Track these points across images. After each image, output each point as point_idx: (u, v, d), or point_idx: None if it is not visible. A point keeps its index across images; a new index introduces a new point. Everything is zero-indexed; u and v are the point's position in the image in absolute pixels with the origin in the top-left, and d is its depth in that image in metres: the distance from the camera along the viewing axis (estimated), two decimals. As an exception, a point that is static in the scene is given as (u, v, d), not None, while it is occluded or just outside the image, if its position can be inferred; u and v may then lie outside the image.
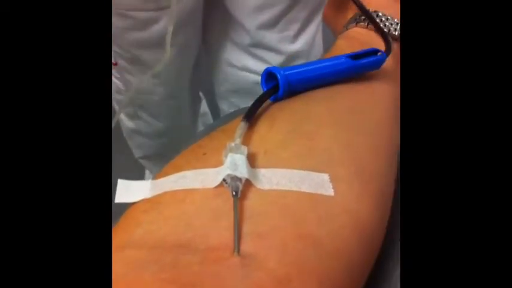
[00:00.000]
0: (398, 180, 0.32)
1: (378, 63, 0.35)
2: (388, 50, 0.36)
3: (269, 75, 0.32)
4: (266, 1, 0.68)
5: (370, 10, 0.40)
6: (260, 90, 0.33)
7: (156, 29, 0.65)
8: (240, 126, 0.28)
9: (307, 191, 0.26)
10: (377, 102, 0.34)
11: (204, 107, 0.98)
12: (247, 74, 0.78)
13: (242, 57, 0.77)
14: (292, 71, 0.32)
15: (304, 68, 0.33)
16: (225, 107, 0.87)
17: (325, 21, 0.52)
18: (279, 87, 0.31)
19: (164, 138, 0.85)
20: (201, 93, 0.93)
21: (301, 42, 0.76)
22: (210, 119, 0.99)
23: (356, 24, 0.41)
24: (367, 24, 0.40)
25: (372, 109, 0.34)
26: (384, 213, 0.30)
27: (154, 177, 0.28)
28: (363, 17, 0.41)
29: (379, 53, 0.35)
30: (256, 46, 0.74)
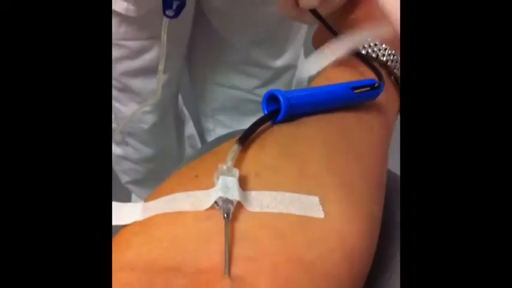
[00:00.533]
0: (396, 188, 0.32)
1: (376, 95, 0.36)
2: (381, 82, 0.37)
3: (270, 98, 0.32)
4: (257, 19, 0.68)
5: (356, 32, 0.41)
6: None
7: (147, 57, 0.65)
8: (233, 148, 0.28)
9: (297, 213, 0.26)
10: (366, 128, 0.35)
11: (189, 128, 0.98)
12: (235, 91, 0.78)
13: (230, 75, 0.76)
14: (294, 95, 0.32)
15: (306, 93, 0.33)
16: (211, 126, 0.87)
17: (315, 46, 0.53)
18: (281, 111, 0.31)
19: (152, 163, 0.85)
20: (186, 113, 0.93)
21: (288, 56, 0.76)
22: (196, 141, 0.99)
23: None
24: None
25: (362, 134, 0.34)
26: (373, 237, 0.30)
27: (146, 200, 0.28)
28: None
29: (376, 85, 0.36)
30: (244, 63, 0.75)
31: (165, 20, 0.41)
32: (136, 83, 0.68)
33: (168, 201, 0.26)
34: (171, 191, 0.27)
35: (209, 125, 0.87)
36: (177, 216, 0.26)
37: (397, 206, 0.40)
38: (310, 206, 0.27)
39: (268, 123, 0.32)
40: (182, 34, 0.68)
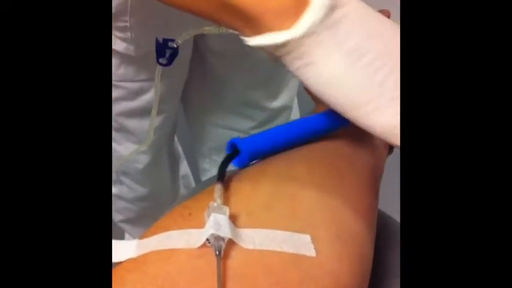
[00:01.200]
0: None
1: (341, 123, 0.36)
2: None
3: (232, 146, 0.34)
4: (255, 60, 0.70)
5: None
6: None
7: (145, 98, 0.65)
8: (217, 187, 0.29)
9: (289, 251, 0.27)
10: (358, 170, 0.35)
11: (184, 168, 0.98)
12: (231, 131, 0.78)
13: (226, 115, 0.76)
14: (254, 140, 0.33)
15: (266, 137, 0.34)
16: (207, 166, 0.86)
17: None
18: (239, 151, 0.33)
19: (145, 202, 0.84)
20: (180, 152, 0.93)
21: (284, 98, 0.76)
22: (190, 180, 0.99)
23: None
24: None
25: (353, 176, 0.35)
26: (365, 274, 0.30)
27: (140, 237, 0.28)
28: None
29: None
30: (241, 104, 0.75)
31: (159, 68, 0.42)
32: (132, 123, 0.68)
33: (163, 238, 0.27)
34: (166, 229, 0.28)
35: (205, 165, 0.87)
36: (170, 253, 0.26)
37: (389, 249, 0.40)
38: (302, 244, 0.27)
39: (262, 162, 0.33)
40: (178, 77, 0.69)
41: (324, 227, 0.29)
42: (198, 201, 0.30)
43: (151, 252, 0.26)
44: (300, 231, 0.28)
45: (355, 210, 0.32)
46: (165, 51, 0.39)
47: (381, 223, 0.39)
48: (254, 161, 0.34)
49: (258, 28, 0.28)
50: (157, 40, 0.39)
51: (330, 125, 0.36)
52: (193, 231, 0.27)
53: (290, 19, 0.27)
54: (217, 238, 0.25)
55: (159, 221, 0.30)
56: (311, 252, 0.27)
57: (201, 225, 0.27)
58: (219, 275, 0.24)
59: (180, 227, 0.27)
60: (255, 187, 0.31)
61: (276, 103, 0.76)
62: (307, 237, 0.28)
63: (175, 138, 0.90)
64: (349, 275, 0.28)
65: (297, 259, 0.27)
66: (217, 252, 0.25)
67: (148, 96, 0.65)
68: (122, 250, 0.27)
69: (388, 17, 0.47)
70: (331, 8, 0.27)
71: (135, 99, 0.65)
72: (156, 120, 0.69)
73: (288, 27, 0.27)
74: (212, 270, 0.24)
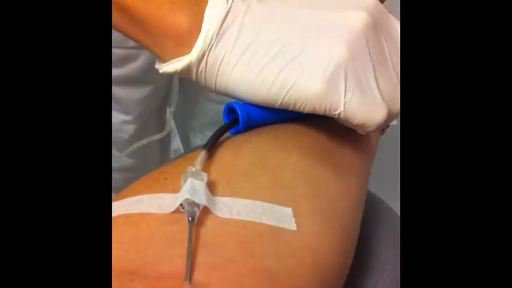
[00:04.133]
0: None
1: None
2: None
3: (230, 110, 0.33)
4: None
5: None
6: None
7: (132, 66, 0.64)
8: (201, 154, 0.27)
9: (268, 223, 0.25)
10: (344, 146, 0.34)
11: (176, 142, 0.96)
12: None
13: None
14: (254, 107, 0.32)
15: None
16: (199, 141, 0.86)
17: None
18: (239, 121, 0.32)
19: (131, 173, 0.83)
20: (173, 126, 0.92)
21: None
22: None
23: None
24: None
25: (339, 151, 0.33)
26: (347, 254, 0.29)
27: (112, 200, 0.27)
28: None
29: None
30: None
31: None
32: (118, 91, 0.67)
33: (134, 202, 0.25)
34: (138, 193, 0.26)
35: (197, 140, 0.86)
36: (140, 218, 0.24)
37: (374, 232, 0.39)
38: (282, 217, 0.26)
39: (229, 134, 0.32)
40: None
41: (308, 201, 0.28)
42: (176, 166, 0.29)
43: (119, 216, 0.25)
44: (282, 204, 0.26)
45: (341, 187, 0.31)
46: None
47: (370, 203, 0.37)
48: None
49: (163, 53, 0.29)
50: None
51: None
52: (167, 196, 0.25)
53: (189, 43, 0.29)
54: (192, 204, 0.24)
55: (132, 185, 0.28)
56: (291, 225, 0.26)
57: (176, 190, 0.25)
58: (190, 243, 0.22)
59: (153, 191, 0.26)
60: (238, 156, 0.29)
61: None
62: (288, 210, 0.26)
63: (168, 111, 0.88)
64: (329, 252, 0.26)
65: (275, 232, 0.25)
66: (190, 219, 0.23)
67: (135, 65, 0.64)
68: None
69: None
70: (223, 18, 0.28)
71: (122, 67, 0.64)
72: (142, 90, 0.68)
73: (188, 51, 0.29)
74: (184, 238, 0.23)
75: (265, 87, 0.29)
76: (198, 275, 0.22)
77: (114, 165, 0.81)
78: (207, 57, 0.29)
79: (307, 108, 0.29)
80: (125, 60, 0.63)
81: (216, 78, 0.29)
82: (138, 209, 0.25)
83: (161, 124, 0.85)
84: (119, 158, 0.79)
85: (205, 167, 0.27)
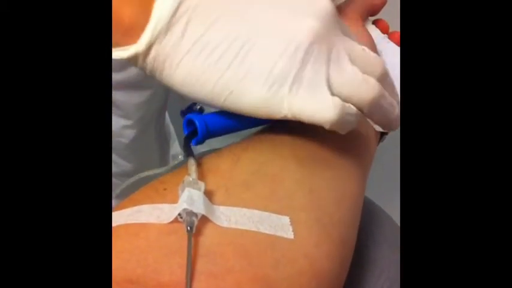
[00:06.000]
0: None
1: None
2: None
3: (189, 122, 0.33)
4: None
5: None
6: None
7: (132, 70, 0.64)
8: (190, 162, 0.28)
9: (266, 232, 0.25)
10: (341, 154, 0.34)
11: (175, 148, 0.96)
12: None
13: None
14: (212, 117, 0.32)
15: (226, 114, 0.32)
16: (197, 146, 0.86)
17: None
18: (198, 132, 0.31)
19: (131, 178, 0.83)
20: (172, 132, 0.92)
21: None
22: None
23: None
24: None
25: (336, 159, 0.34)
26: (344, 261, 0.29)
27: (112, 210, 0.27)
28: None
29: None
30: None
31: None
32: (118, 96, 0.67)
33: (133, 212, 0.26)
34: (138, 203, 0.26)
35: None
36: (140, 228, 0.25)
37: (371, 239, 0.39)
38: (280, 226, 0.26)
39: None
40: None
41: (305, 210, 0.28)
42: (175, 176, 0.29)
43: (120, 226, 0.25)
44: (279, 213, 0.27)
45: (339, 196, 0.31)
46: None
47: (367, 210, 0.37)
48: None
49: (114, 43, 0.28)
50: None
51: None
52: (166, 206, 0.25)
53: (137, 34, 0.28)
54: (190, 213, 0.24)
55: (132, 195, 0.28)
56: (289, 234, 0.26)
57: (175, 200, 0.26)
58: (189, 252, 0.23)
59: (153, 202, 0.26)
60: (236, 165, 0.29)
61: None
62: (286, 219, 0.27)
63: (168, 117, 0.88)
64: (326, 260, 0.27)
65: (273, 241, 0.25)
66: (188, 228, 0.23)
67: (136, 69, 0.64)
68: None
69: (386, 28, 0.46)
70: (173, 12, 0.27)
71: (122, 71, 0.64)
72: (142, 94, 0.68)
73: (134, 41, 0.28)
74: (183, 248, 0.23)
75: (209, 87, 0.28)
76: (198, 284, 0.22)
77: (113, 171, 0.81)
78: (154, 50, 0.28)
79: (246, 112, 0.29)
80: (124, 64, 0.63)
81: (162, 72, 0.29)
82: (137, 219, 0.25)
83: (162, 129, 0.85)
84: (119, 163, 0.79)
85: (203, 176, 0.28)
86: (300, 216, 0.27)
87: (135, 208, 0.26)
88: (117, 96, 0.67)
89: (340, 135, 0.32)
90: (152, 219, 0.25)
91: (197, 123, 0.31)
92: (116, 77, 0.64)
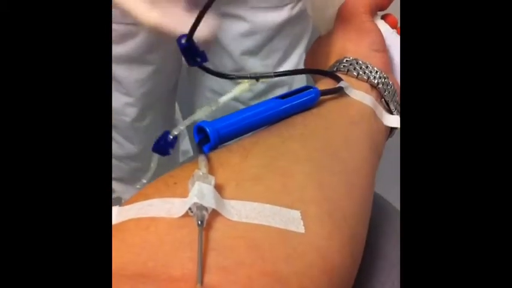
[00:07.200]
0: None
1: (312, 100, 0.36)
2: (316, 88, 0.37)
3: (199, 130, 0.33)
4: (250, 28, 0.68)
5: (351, 58, 0.41)
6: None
7: (132, 44, 0.64)
8: (201, 158, 0.28)
9: (277, 226, 0.25)
10: (351, 148, 0.34)
11: (185, 144, 0.96)
12: (232, 101, 0.77)
13: (225, 83, 0.76)
14: (223, 124, 0.32)
15: (235, 119, 0.33)
16: None
17: (307, 67, 0.53)
18: (210, 139, 0.31)
19: (137, 162, 0.83)
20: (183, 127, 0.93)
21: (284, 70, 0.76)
22: (191, 156, 0.98)
23: (336, 70, 0.42)
24: (347, 71, 0.41)
25: (346, 153, 0.34)
26: (355, 255, 0.29)
27: (122, 204, 0.27)
28: (343, 64, 0.41)
29: (310, 89, 0.36)
30: (238, 72, 0.74)
31: None
32: (120, 71, 0.67)
33: (144, 206, 0.26)
34: (148, 197, 0.26)
35: None
36: (150, 222, 0.25)
37: (382, 234, 0.39)
38: (291, 219, 0.26)
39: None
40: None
41: (316, 204, 0.28)
42: (185, 170, 0.29)
43: (130, 220, 0.25)
44: (290, 207, 0.27)
45: (349, 189, 0.31)
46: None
47: (377, 205, 0.37)
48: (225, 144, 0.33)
49: None
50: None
51: (292, 110, 0.35)
52: (176, 200, 0.25)
53: None
54: (200, 208, 0.24)
55: (143, 189, 0.28)
56: (300, 228, 0.26)
57: (186, 194, 0.26)
58: (200, 246, 0.23)
59: (163, 196, 0.26)
60: (246, 159, 0.29)
61: None
62: (296, 213, 0.26)
63: (177, 108, 0.88)
64: (338, 254, 0.27)
65: (284, 235, 0.25)
66: (199, 222, 0.23)
67: (135, 42, 0.64)
68: None
69: (395, 23, 0.46)
70: None
71: (121, 44, 0.63)
72: (143, 70, 0.67)
73: None
74: (193, 241, 0.23)
75: None
76: (209, 278, 0.22)
77: (118, 153, 0.81)
78: None
79: None
80: (124, 37, 0.63)
81: None
82: (148, 213, 0.25)
83: (169, 115, 0.84)
84: (123, 144, 0.79)
85: (213, 170, 0.28)
86: (311, 210, 0.27)
87: (146, 202, 0.26)
88: (118, 71, 0.67)
89: (351, 130, 0.31)
90: (163, 213, 0.25)
91: (208, 130, 0.31)
92: (115, 49, 0.63)
